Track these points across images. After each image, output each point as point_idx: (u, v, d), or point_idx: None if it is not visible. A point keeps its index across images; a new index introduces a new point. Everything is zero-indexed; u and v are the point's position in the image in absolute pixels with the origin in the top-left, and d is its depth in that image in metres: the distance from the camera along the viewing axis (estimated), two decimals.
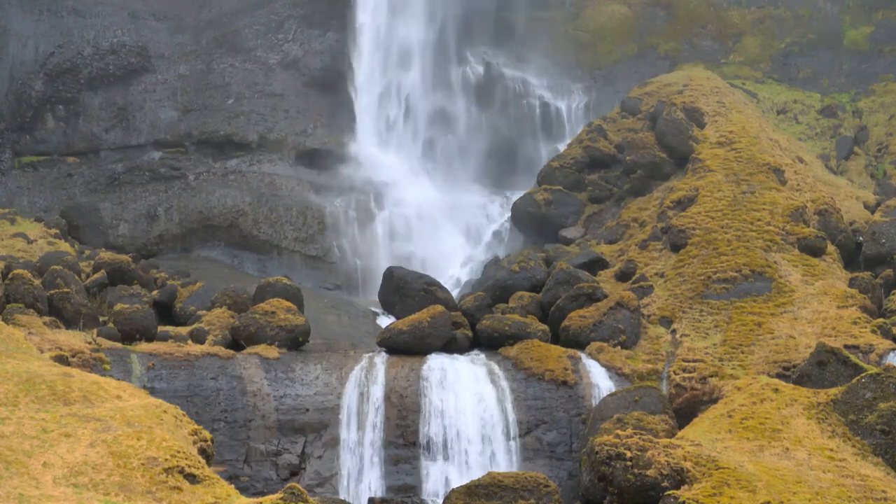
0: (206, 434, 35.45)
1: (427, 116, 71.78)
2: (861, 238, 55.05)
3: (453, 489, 38.45)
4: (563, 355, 46.63)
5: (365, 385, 44.91)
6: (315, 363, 45.80)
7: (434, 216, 66.30)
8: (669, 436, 40.99)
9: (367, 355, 46.53)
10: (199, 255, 63.68)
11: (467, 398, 44.74)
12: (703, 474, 35.77)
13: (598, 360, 46.76)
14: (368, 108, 70.35)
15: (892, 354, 45.13)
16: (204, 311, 48.69)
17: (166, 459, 31.25)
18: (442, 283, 53.83)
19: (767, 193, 55.41)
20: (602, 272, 54.04)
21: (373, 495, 43.33)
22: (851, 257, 54.54)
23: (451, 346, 47.84)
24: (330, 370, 45.54)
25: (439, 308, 48.28)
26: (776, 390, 41.09)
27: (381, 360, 46.07)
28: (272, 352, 45.75)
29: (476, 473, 41.26)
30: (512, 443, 44.31)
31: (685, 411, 44.58)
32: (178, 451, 31.77)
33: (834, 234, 54.45)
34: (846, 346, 45.11)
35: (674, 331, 49.07)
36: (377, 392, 44.71)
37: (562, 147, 67.29)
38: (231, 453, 42.95)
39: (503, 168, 70.31)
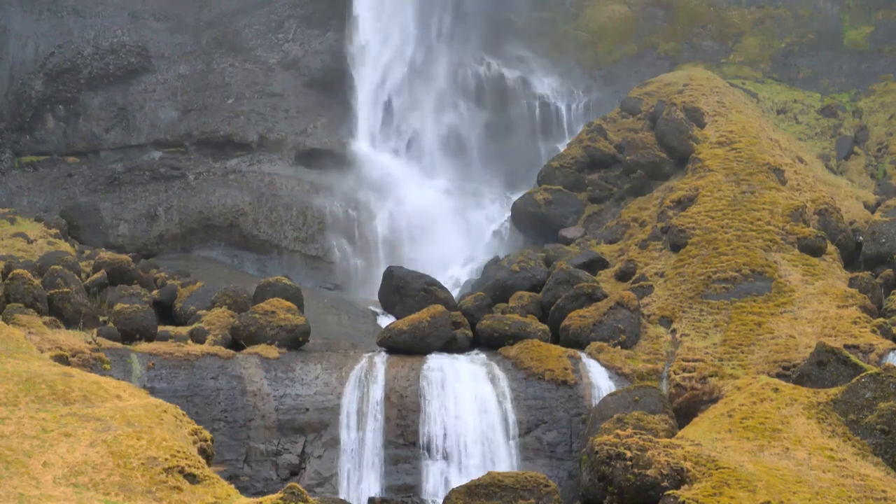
0: (206, 434, 35.45)
1: (427, 116, 71.77)
2: (861, 238, 55.05)
3: (453, 489, 38.44)
4: (563, 355, 46.63)
5: (365, 385, 44.91)
6: (315, 363, 45.80)
7: (434, 216, 66.29)
8: (669, 435, 40.99)
9: (367, 355, 46.53)
10: (199, 255, 63.69)
11: (467, 398, 44.73)
12: (703, 474, 35.76)
13: (598, 360, 46.76)
14: (368, 108, 70.35)
15: (892, 354, 45.12)
16: (204, 311, 48.69)
17: (166, 459, 31.25)
18: (442, 283, 53.84)
19: (767, 193, 55.41)
20: (602, 272, 54.04)
21: (373, 495, 43.32)
22: (851, 257, 54.54)
23: (451, 346, 47.85)
24: (330, 370, 45.55)
25: (439, 308, 48.28)
26: (776, 390, 41.09)
27: (381, 359, 46.06)
28: (272, 351, 45.75)
29: (476, 473, 41.25)
30: (512, 442, 44.31)
31: (685, 411, 44.58)
32: (178, 451, 31.77)
33: (834, 233, 54.45)
34: (846, 346, 45.11)
35: (674, 330, 49.07)
36: (377, 392, 44.70)
37: (562, 147, 67.29)
38: (231, 453, 42.95)
39: (503, 168, 70.31)
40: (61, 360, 40.47)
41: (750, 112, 64.82)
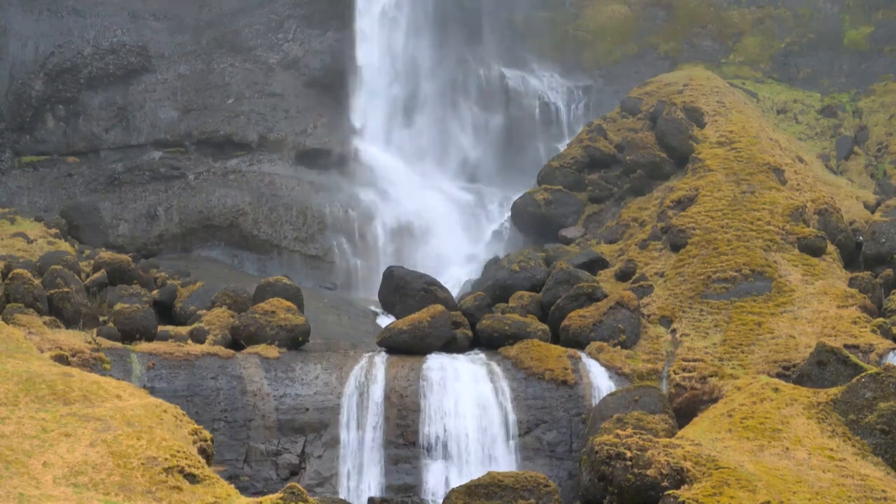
0: (206, 434, 35.44)
1: (427, 116, 71.78)
2: (861, 238, 55.04)
3: (453, 489, 38.44)
4: (563, 355, 46.63)
5: (365, 385, 44.92)
6: (315, 363, 45.80)
7: (434, 216, 66.30)
8: (669, 435, 40.99)
9: (367, 355, 46.53)
10: (199, 255, 63.69)
11: (467, 398, 44.74)
12: (703, 474, 35.76)
13: (598, 360, 46.77)
14: (368, 108, 70.35)
15: (892, 354, 45.12)
16: (204, 311, 48.69)
17: (166, 459, 31.25)
18: (442, 282, 53.84)
19: (767, 193, 55.40)
20: (602, 272, 54.04)
21: (373, 495, 43.32)
22: (851, 257, 54.53)
23: (451, 346, 47.85)
24: (330, 370, 45.55)
25: (439, 308, 48.28)
26: (776, 390, 41.09)
27: (381, 359, 46.07)
28: (272, 351, 45.76)
29: (476, 473, 41.24)
30: (512, 442, 44.31)
31: (685, 411, 44.58)
32: (178, 451, 31.76)
33: (834, 233, 54.44)
34: (846, 346, 45.10)
35: (674, 330, 49.07)
36: (377, 392, 44.71)
37: (562, 147, 67.27)
38: (231, 453, 42.96)
39: (503, 168, 70.31)
40: (61, 360, 40.47)
41: (750, 112, 64.81)
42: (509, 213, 64.28)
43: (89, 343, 43.41)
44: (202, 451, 34.30)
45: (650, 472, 35.88)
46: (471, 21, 74.94)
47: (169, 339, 45.67)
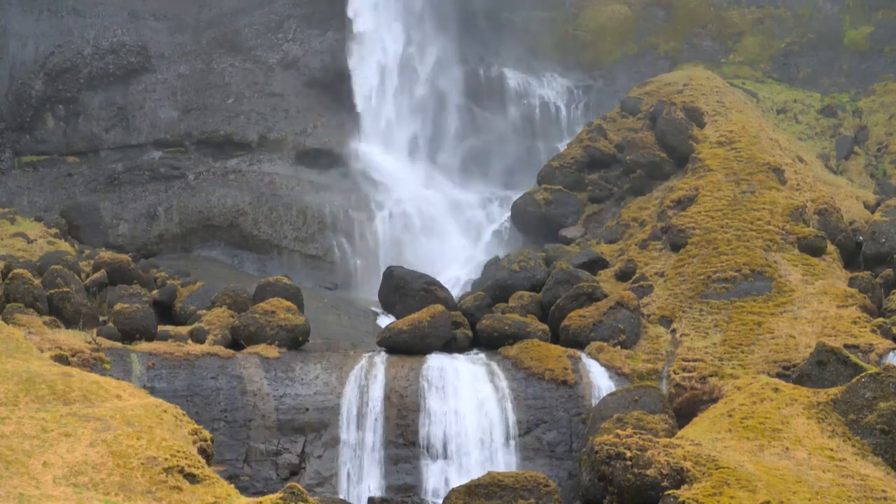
0: (206, 434, 35.45)
1: (427, 116, 71.77)
2: (861, 238, 55.04)
3: (453, 489, 38.44)
4: (562, 355, 46.63)
5: (365, 385, 44.92)
6: (315, 363, 45.80)
7: (434, 216, 66.30)
8: (669, 435, 40.99)
9: (367, 355, 46.53)
10: (199, 255, 63.67)
11: (467, 398, 44.74)
12: (703, 474, 35.76)
13: (597, 360, 46.77)
14: (368, 108, 70.35)
15: (892, 354, 45.13)
16: (204, 311, 48.69)
17: (166, 459, 31.25)
18: (442, 282, 53.84)
19: (767, 193, 55.40)
20: (602, 272, 54.04)
21: (373, 495, 43.32)
22: (851, 257, 54.53)
23: (451, 346, 47.85)
24: (330, 370, 45.55)
25: (439, 308, 48.28)
26: (776, 390, 41.09)
27: (380, 359, 46.07)
28: (272, 351, 45.75)
29: (476, 473, 41.24)
30: (512, 442, 44.31)
31: (685, 411, 44.58)
32: (178, 451, 31.76)
33: (834, 233, 54.44)
34: (846, 346, 45.11)
35: (674, 330, 49.07)
36: (377, 392, 44.71)
37: (562, 147, 67.27)
38: (231, 453, 42.95)
39: (503, 168, 70.31)
40: (61, 359, 40.46)
41: (750, 112, 64.81)
42: (509, 213, 64.27)
43: (89, 343, 43.40)
44: (202, 451, 34.31)
45: (650, 472, 35.88)
46: (471, 21, 74.92)
47: (169, 339, 45.67)
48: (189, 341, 45.84)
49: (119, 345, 44.28)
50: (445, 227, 66.09)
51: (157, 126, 66.81)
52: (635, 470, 36.01)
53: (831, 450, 37.96)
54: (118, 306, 46.69)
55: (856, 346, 45.65)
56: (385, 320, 53.69)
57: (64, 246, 56.48)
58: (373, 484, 43.56)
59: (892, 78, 71.74)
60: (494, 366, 46.30)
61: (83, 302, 47.18)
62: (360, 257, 64.66)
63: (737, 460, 36.83)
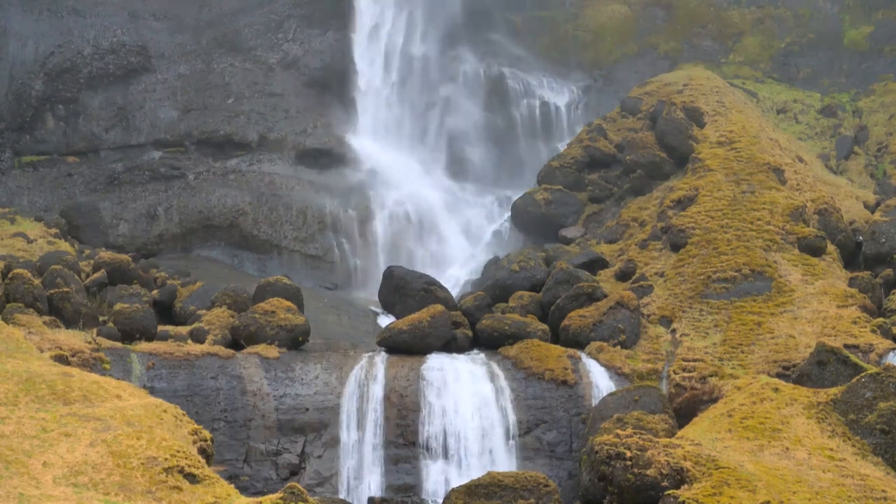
0: (206, 434, 35.45)
1: (427, 116, 71.77)
2: (861, 238, 55.03)
3: (453, 489, 38.44)
4: (562, 355, 46.63)
5: (365, 385, 44.92)
6: (315, 363, 45.81)
7: (434, 216, 66.30)
8: (669, 435, 40.99)
9: (366, 355, 46.53)
10: (199, 255, 63.68)
11: (467, 398, 44.74)
12: (703, 474, 35.76)
13: (597, 360, 46.77)
14: (368, 108, 70.36)
15: (892, 354, 45.13)
16: (204, 311, 48.69)
17: (166, 459, 31.25)
18: (442, 282, 53.84)
19: (767, 193, 55.40)
20: (602, 272, 54.04)
21: (373, 495, 43.32)
22: (851, 257, 54.53)
23: (451, 346, 47.85)
24: (330, 370, 45.55)
25: (439, 308, 48.28)
26: (776, 390, 41.09)
27: (380, 359, 46.07)
28: (272, 351, 45.76)
29: (476, 473, 41.24)
30: (512, 442, 44.31)
31: (685, 411, 44.59)
32: (178, 451, 31.77)
33: (834, 233, 54.44)
34: (846, 346, 45.11)
35: (674, 330, 49.07)
36: (377, 392, 44.71)
37: (562, 147, 67.28)
38: (231, 453, 42.96)
39: (503, 168, 70.30)
40: (61, 359, 40.46)
41: (750, 112, 64.81)
42: (509, 213, 64.27)
43: (89, 343, 43.41)
44: (202, 451, 34.31)
45: (650, 472, 35.88)
46: (470, 21, 74.91)
47: (169, 339, 45.67)
48: (189, 341, 45.85)
49: (119, 345, 44.29)
50: (445, 227, 66.10)
51: (157, 126, 66.83)
52: (635, 470, 36.01)
53: (831, 450, 37.96)
54: (118, 306, 46.69)
55: (856, 346, 45.66)
56: (385, 320, 53.70)
57: (64, 246, 56.49)
58: (373, 484, 43.56)
59: (892, 78, 71.74)
60: (494, 366, 46.30)
61: (83, 302, 47.18)
62: (360, 257, 64.66)
63: (737, 460, 36.83)
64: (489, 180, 69.89)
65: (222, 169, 66.01)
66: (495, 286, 52.82)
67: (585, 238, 59.44)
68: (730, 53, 75.66)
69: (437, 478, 43.49)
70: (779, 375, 44.50)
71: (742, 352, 46.77)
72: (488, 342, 48.36)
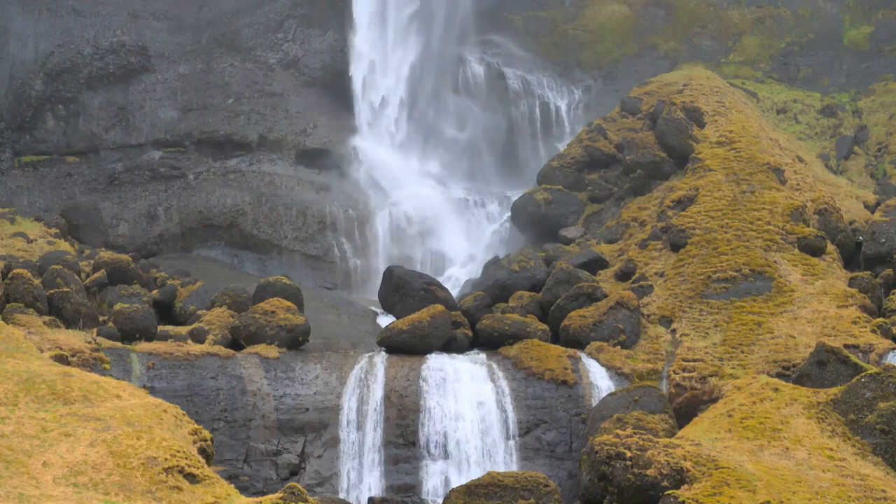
0: (206, 433, 35.45)
1: (427, 116, 71.76)
2: (861, 237, 55.02)
3: (453, 489, 38.45)
4: (562, 355, 46.63)
5: (365, 385, 44.91)
6: (315, 363, 45.80)
7: (434, 216, 66.30)
8: (669, 435, 40.99)
9: (366, 355, 46.53)
10: (199, 255, 63.71)
11: (467, 398, 44.74)
12: (703, 474, 35.77)
13: (597, 360, 46.77)
14: (368, 108, 70.36)
15: (892, 354, 45.14)
16: (204, 311, 48.69)
17: (166, 459, 31.25)
18: (442, 282, 53.82)
19: (767, 193, 55.40)
20: (602, 272, 54.04)
21: (373, 495, 43.32)
22: (851, 257, 54.52)
23: (451, 346, 47.85)
24: (330, 370, 45.55)
25: (439, 308, 48.28)
26: (776, 390, 41.10)
27: (380, 359, 46.07)
28: (272, 351, 45.76)
29: (476, 473, 41.27)
30: (512, 442, 44.31)
31: (685, 411, 44.59)
32: (178, 451, 31.77)
33: (834, 233, 54.44)
34: (846, 346, 45.12)
35: (674, 330, 49.07)
36: (377, 392, 44.71)
37: (562, 147, 67.26)
38: (231, 453, 42.96)
39: (503, 168, 70.30)
40: (61, 359, 40.47)
41: (750, 112, 64.80)
42: (509, 213, 64.27)
43: (89, 343, 43.41)
44: (202, 451, 34.31)
45: (650, 472, 35.89)
46: (471, 20, 74.91)
47: (169, 339, 45.68)
48: (189, 341, 45.85)
49: (119, 345, 44.29)
50: (445, 227, 66.10)
51: (157, 126, 66.85)
52: (635, 470, 36.02)
53: (831, 450, 37.97)
54: (118, 306, 46.70)
55: (856, 346, 45.66)
56: (385, 320, 53.70)
57: (64, 246, 56.50)
58: (373, 484, 43.56)
59: (892, 78, 71.73)
60: (494, 366, 46.30)
61: (83, 302, 47.18)
62: (360, 257, 64.67)
63: (737, 460, 36.84)
64: (489, 180, 69.90)
65: (222, 169, 66.03)
66: (495, 286, 52.81)
67: (585, 238, 59.44)
68: (730, 53, 75.65)
69: (437, 478, 43.49)
70: (779, 375, 44.50)
71: (742, 352, 46.77)
72: (488, 342, 48.35)
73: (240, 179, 65.71)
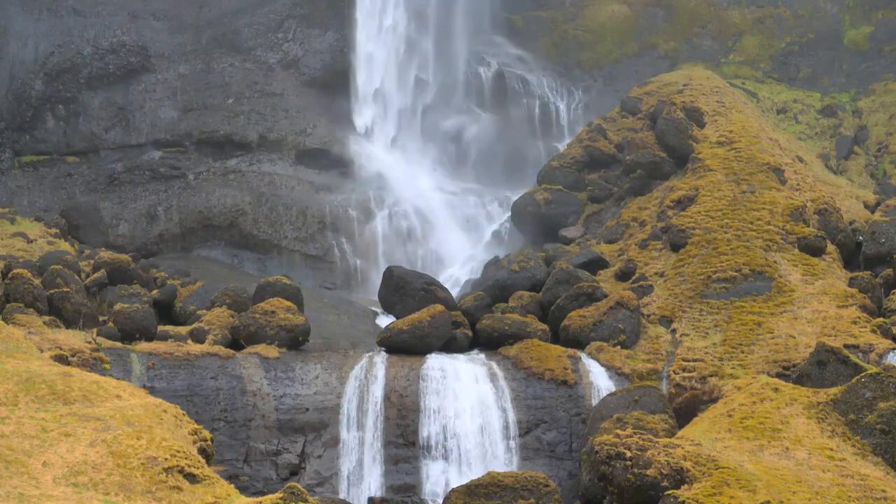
0: (206, 433, 35.46)
1: (427, 116, 71.76)
2: (861, 237, 55.03)
3: (453, 489, 38.45)
4: (562, 355, 46.63)
5: (365, 385, 44.92)
6: (315, 363, 45.81)
7: (434, 215, 66.30)
8: (669, 435, 41.00)
9: (366, 355, 46.53)
10: (199, 255, 63.70)
11: (467, 398, 44.74)
12: (703, 474, 35.77)
13: (597, 360, 46.78)
14: (368, 108, 70.36)
15: (891, 354, 45.14)
16: (204, 311, 48.69)
17: (166, 459, 31.25)
18: (442, 282, 53.83)
19: (767, 193, 55.40)
20: (602, 272, 54.04)
21: (373, 495, 43.32)
22: (851, 257, 54.52)
23: (451, 346, 47.85)
24: (330, 370, 45.55)
25: (439, 308, 48.28)
26: (776, 390, 41.10)
27: (380, 359, 46.07)
28: (272, 351, 45.76)
29: (476, 473, 41.26)
30: (512, 442, 44.31)
31: (685, 411, 44.59)
32: (178, 451, 31.77)
33: (834, 233, 54.44)
34: (846, 346, 45.12)
35: (674, 330, 49.08)
36: (377, 392, 44.71)
37: (562, 147, 67.26)
38: (231, 453, 42.96)
39: (503, 168, 70.28)
40: (61, 359, 40.47)
41: (750, 112, 64.80)
42: (509, 213, 64.27)
43: (89, 343, 43.41)
44: (202, 451, 34.31)
45: (650, 472, 35.89)
46: (470, 20, 74.92)
47: (169, 339, 45.68)
48: (189, 341, 45.85)
49: (119, 345, 44.29)
50: (445, 227, 66.09)
51: (157, 126, 66.85)
52: (635, 470, 36.02)
53: (831, 450, 37.97)
54: (118, 306, 46.70)
55: (856, 346, 45.66)
56: (385, 320, 53.70)
57: (64, 246, 56.50)
58: (373, 484, 43.57)
59: (892, 78, 71.73)
60: (494, 366, 46.30)
61: (83, 302, 47.18)
62: (360, 257, 64.66)
63: (737, 460, 36.84)
64: (489, 180, 69.87)
65: (222, 169, 66.03)
66: (495, 286, 52.81)
67: (585, 238, 59.44)
68: (730, 53, 75.66)
69: (437, 478, 43.50)
70: (779, 375, 44.50)
71: (742, 352, 46.77)
72: (488, 342, 48.35)
73: (240, 179, 65.71)
